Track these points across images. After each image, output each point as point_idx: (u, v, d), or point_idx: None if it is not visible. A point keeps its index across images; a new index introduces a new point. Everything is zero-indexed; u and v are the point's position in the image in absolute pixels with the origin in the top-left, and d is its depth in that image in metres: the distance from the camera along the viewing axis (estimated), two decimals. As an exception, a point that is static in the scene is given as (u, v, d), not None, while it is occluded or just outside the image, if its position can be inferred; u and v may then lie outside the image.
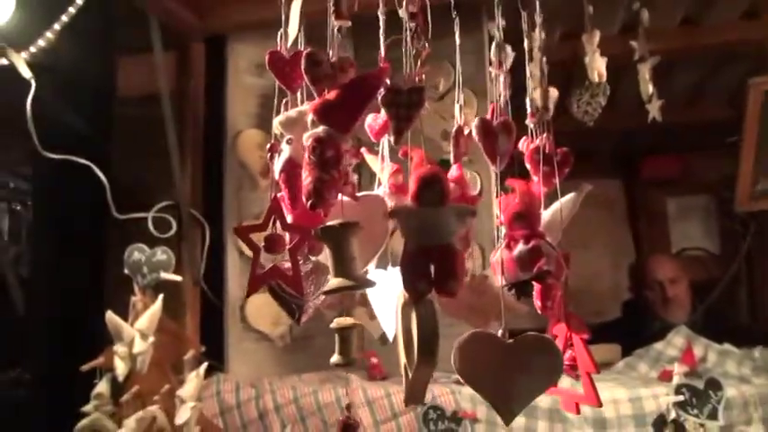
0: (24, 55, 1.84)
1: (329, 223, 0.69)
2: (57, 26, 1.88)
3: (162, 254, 1.67)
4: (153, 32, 2.00)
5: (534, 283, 0.75)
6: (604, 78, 2.01)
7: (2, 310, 2.67)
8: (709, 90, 3.29)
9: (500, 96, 0.96)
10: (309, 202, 0.67)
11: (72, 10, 1.89)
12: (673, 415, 1.56)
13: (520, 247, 0.72)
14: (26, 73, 1.68)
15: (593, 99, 2.03)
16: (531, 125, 0.96)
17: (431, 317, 0.64)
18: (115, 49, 2.21)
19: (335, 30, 0.74)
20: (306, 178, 0.68)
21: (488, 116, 0.96)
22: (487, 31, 2.35)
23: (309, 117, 0.70)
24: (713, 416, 1.53)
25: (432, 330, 0.64)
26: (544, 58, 2.10)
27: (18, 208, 3.32)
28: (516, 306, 0.94)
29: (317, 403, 1.90)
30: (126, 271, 1.67)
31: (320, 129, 0.68)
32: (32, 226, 2.48)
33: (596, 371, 0.79)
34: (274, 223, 0.81)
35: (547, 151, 0.90)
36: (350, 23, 0.75)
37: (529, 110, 0.98)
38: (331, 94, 0.70)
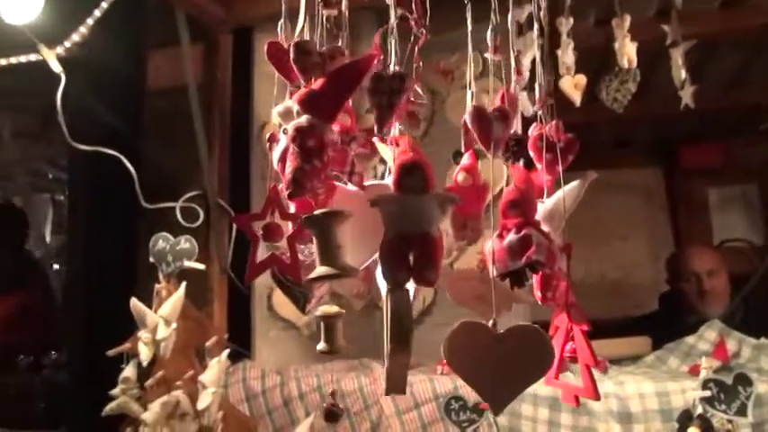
0: (59, 50, 1.90)
1: (315, 212, 0.69)
2: (90, 21, 1.93)
3: (185, 242, 1.70)
4: (180, 25, 2.03)
5: (532, 273, 0.74)
6: (635, 64, 1.96)
7: (44, 297, 2.79)
8: (752, 74, 3.15)
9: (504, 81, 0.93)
10: (288, 192, 0.68)
11: (104, 5, 1.94)
12: (699, 410, 1.51)
13: (510, 236, 0.71)
14: (56, 67, 1.73)
15: (623, 86, 1.98)
16: (540, 112, 0.93)
17: (405, 305, 0.64)
18: (145, 42, 2.25)
19: (324, 19, 0.74)
20: (287, 168, 0.68)
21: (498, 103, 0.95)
22: (516, 19, 2.31)
23: (295, 107, 0.70)
24: (742, 412, 1.48)
25: (405, 318, 0.63)
26: (572, 44, 2.06)
27: (60, 198, 3.45)
28: (522, 296, 0.93)
29: (340, 391, 1.92)
30: (151, 259, 1.72)
31: (303, 118, 0.68)
32: (70, 216, 2.57)
33: (595, 364, 0.77)
34: (273, 212, 0.82)
35: (551, 138, 0.87)
36: (336, 12, 0.75)
37: (537, 96, 0.96)
38: (317, 83, 0.70)
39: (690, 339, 2.04)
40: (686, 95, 2.06)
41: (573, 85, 2.01)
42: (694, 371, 1.78)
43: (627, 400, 1.69)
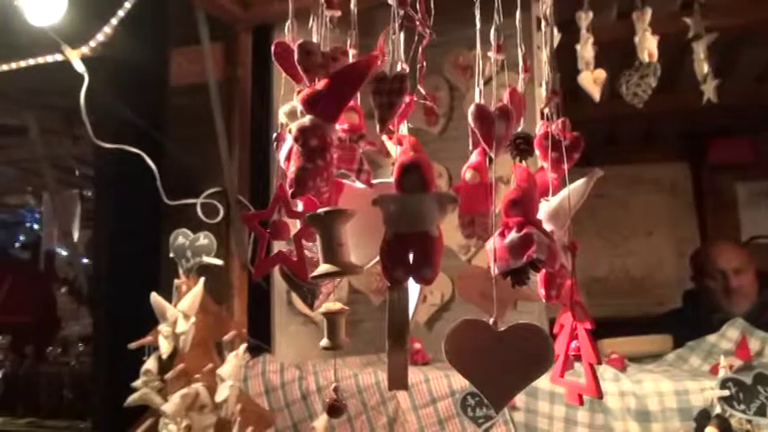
0: (84, 49, 1.94)
1: (318, 211, 0.70)
2: (113, 21, 1.97)
3: (204, 238, 1.73)
4: (200, 24, 2.06)
5: (533, 271, 0.74)
6: (655, 58, 1.93)
7: (71, 293, 2.87)
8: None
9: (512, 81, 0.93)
10: (291, 191, 0.69)
11: (127, 5, 1.97)
12: (717, 410, 1.49)
13: (512, 235, 0.71)
14: (79, 67, 1.77)
15: (643, 80, 1.96)
16: (546, 110, 0.93)
17: (403, 302, 0.65)
18: (167, 41, 2.29)
19: (327, 20, 0.75)
20: (291, 167, 0.70)
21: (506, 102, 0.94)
22: (536, 14, 2.30)
23: (299, 107, 0.72)
24: (762, 412, 1.45)
25: (402, 316, 0.64)
26: (592, 38, 2.03)
27: (88, 194, 3.53)
28: (530, 295, 0.93)
29: (358, 386, 1.94)
30: (171, 255, 1.75)
31: (306, 119, 0.70)
32: (96, 212, 2.63)
33: (598, 362, 0.77)
34: (280, 210, 0.84)
35: (557, 136, 0.87)
36: (339, 13, 0.75)
37: (544, 94, 0.95)
38: (320, 84, 0.71)
39: (712, 338, 2.01)
40: (709, 90, 2.03)
41: (592, 80, 1.99)
42: (715, 370, 1.75)
43: (645, 398, 1.68)
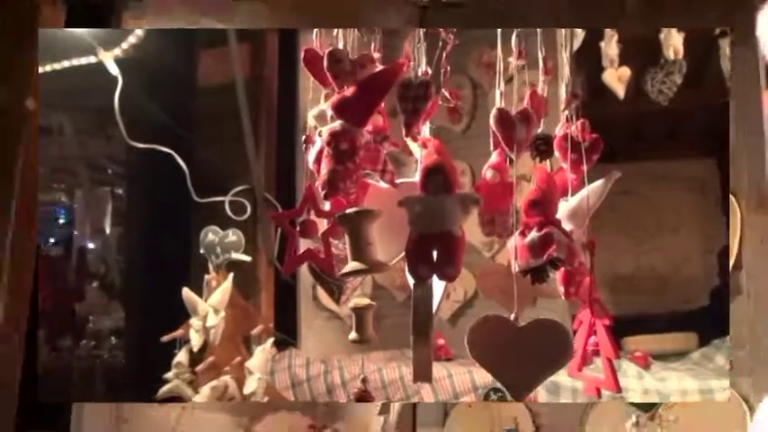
0: (117, 51, 2.00)
1: (347, 211, 0.74)
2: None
3: (233, 235, 1.78)
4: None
5: (553, 270, 0.76)
6: (680, 56, 1.92)
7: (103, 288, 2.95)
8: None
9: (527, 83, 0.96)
10: (324, 193, 0.73)
11: (157, 7, 2.02)
12: (741, 408, 1.49)
13: (532, 234, 0.74)
14: (113, 70, 1.83)
15: (668, 78, 1.95)
16: (567, 112, 0.95)
17: (427, 299, 0.68)
18: (195, 42, 2.34)
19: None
20: (322, 170, 0.74)
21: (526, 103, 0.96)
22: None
23: (329, 112, 0.75)
24: (785, 411, 1.45)
25: (426, 312, 0.67)
26: (616, 36, 2.03)
27: (119, 192, 3.61)
28: (550, 292, 0.95)
29: (382, 380, 1.97)
30: (201, 251, 1.80)
31: (336, 123, 0.73)
32: (128, 209, 2.69)
33: (617, 356, 0.79)
34: (309, 210, 0.87)
35: (577, 138, 0.89)
36: (366, 23, 0.78)
37: (564, 96, 0.97)
38: (349, 90, 0.75)
39: (737, 337, 2.00)
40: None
41: (617, 78, 1.99)
42: (739, 368, 1.75)
43: (668, 396, 1.68)
